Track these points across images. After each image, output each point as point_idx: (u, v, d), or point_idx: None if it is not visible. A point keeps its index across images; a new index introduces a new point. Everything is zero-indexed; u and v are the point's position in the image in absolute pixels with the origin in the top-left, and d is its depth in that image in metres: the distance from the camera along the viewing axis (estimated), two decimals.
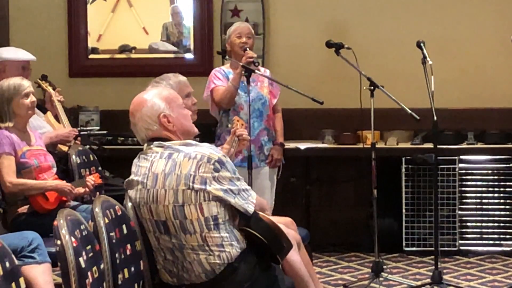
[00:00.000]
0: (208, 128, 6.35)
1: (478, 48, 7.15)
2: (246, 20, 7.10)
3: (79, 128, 5.90)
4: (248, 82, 5.59)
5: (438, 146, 5.82)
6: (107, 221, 3.47)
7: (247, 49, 5.74)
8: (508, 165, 6.70)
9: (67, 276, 3.14)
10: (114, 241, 3.46)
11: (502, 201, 6.73)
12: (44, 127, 5.66)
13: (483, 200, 6.74)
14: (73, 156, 5.43)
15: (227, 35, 5.98)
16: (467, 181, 6.73)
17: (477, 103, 7.11)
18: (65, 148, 5.66)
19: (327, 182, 7.15)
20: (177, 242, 3.62)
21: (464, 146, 6.77)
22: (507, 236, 6.70)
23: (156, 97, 3.73)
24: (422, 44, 5.74)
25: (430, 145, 6.34)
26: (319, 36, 6.82)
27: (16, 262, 3.03)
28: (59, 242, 3.16)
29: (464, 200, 6.73)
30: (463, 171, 6.71)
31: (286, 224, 4.18)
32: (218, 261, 3.61)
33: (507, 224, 6.71)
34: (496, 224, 6.73)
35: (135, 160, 3.77)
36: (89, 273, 3.22)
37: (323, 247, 6.87)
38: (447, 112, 6.72)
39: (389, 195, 6.63)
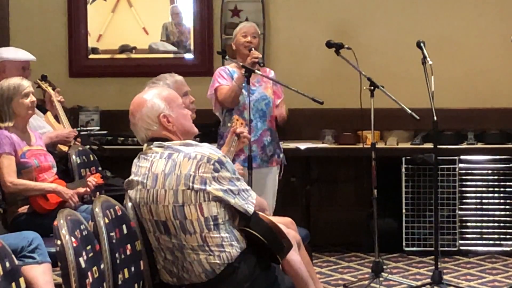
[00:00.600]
0: (208, 128, 6.35)
1: (478, 48, 7.15)
2: (245, 20, 7.10)
3: (79, 128, 5.90)
4: (248, 82, 5.58)
5: (438, 146, 5.82)
6: (107, 221, 3.47)
7: (253, 49, 5.73)
8: (508, 165, 6.70)
9: (67, 276, 3.14)
10: (114, 241, 3.47)
11: (502, 201, 6.73)
12: (44, 127, 5.66)
13: (483, 200, 6.74)
14: (73, 156, 5.43)
15: (233, 35, 5.96)
16: (467, 181, 6.73)
17: (477, 103, 7.11)
18: (65, 148, 5.66)
19: (327, 182, 7.15)
20: (177, 242, 3.62)
21: (464, 146, 6.77)
22: (507, 236, 6.70)
23: (156, 97, 3.73)
24: (422, 44, 5.74)
25: (430, 145, 6.35)
26: (319, 36, 6.82)
27: (16, 262, 3.03)
28: (59, 242, 3.16)
29: (464, 200, 6.73)
30: (463, 171, 6.71)
31: (286, 224, 4.18)
32: (218, 261, 3.61)
33: (507, 224, 6.70)
34: (496, 224, 6.73)
35: (135, 160, 3.77)
36: (89, 273, 3.23)
37: (323, 247, 6.87)
38: (447, 112, 6.72)
39: (389, 195, 6.62)
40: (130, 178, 3.74)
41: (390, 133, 6.90)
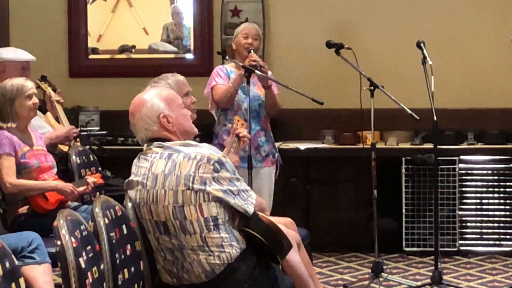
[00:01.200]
0: (208, 128, 6.35)
1: (478, 48, 7.15)
2: (246, 20, 7.10)
3: (79, 129, 5.90)
4: (248, 83, 5.59)
5: (438, 146, 5.82)
6: (107, 221, 3.47)
7: (252, 51, 5.73)
8: (508, 165, 6.70)
9: (67, 277, 3.14)
10: (114, 241, 3.46)
11: (502, 201, 6.73)
12: (44, 128, 5.66)
13: (483, 200, 6.74)
14: (73, 156, 5.43)
15: (234, 35, 5.96)
16: (467, 181, 6.73)
17: (477, 103, 7.11)
18: (65, 148, 5.66)
19: (327, 182, 7.15)
20: (177, 243, 3.62)
21: (464, 146, 6.76)
22: (507, 236, 6.70)
23: (156, 98, 3.73)
24: (422, 44, 5.74)
25: (430, 145, 6.35)
26: (319, 36, 6.82)
27: (16, 262, 3.02)
28: (59, 242, 3.16)
29: (464, 200, 6.73)
30: (463, 171, 6.70)
31: (286, 224, 4.18)
32: (218, 262, 3.61)
33: (507, 224, 6.70)
34: (496, 224, 6.73)
35: (135, 161, 3.77)
36: (89, 274, 3.23)
37: (323, 247, 6.87)
38: (447, 112, 6.72)
39: (389, 195, 6.62)
40: (130, 178, 3.74)
41: (390, 133, 6.90)
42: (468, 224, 6.75)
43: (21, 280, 2.99)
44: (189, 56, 7.53)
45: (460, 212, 6.71)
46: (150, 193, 3.64)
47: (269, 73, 5.98)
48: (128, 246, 3.58)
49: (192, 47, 7.51)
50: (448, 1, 7.19)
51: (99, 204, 3.52)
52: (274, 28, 7.31)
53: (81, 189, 5.05)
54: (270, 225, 3.72)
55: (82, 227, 3.32)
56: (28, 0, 7.46)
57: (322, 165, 7.11)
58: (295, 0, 7.30)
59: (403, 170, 6.68)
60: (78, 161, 5.43)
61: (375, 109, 5.67)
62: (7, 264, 2.92)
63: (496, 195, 6.73)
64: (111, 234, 3.46)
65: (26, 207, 4.92)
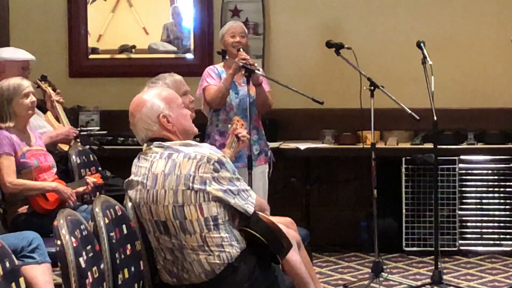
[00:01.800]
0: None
1: (478, 48, 7.15)
2: (246, 20, 7.11)
3: (79, 129, 5.90)
4: (248, 82, 5.59)
5: (438, 146, 5.82)
6: (107, 221, 3.47)
7: (241, 49, 5.74)
8: (508, 165, 6.70)
9: (67, 276, 3.14)
10: (114, 241, 3.47)
11: (502, 201, 6.73)
12: (44, 127, 5.66)
13: (483, 200, 6.74)
14: (73, 156, 5.43)
15: (220, 35, 5.99)
16: (467, 181, 6.73)
17: (477, 103, 7.11)
18: (65, 148, 5.66)
19: (327, 182, 7.14)
20: (177, 242, 3.62)
21: (464, 146, 6.76)
22: (507, 236, 6.70)
23: (156, 98, 3.73)
24: (422, 44, 5.74)
25: (430, 145, 6.34)
26: (319, 36, 6.82)
27: (16, 262, 3.03)
28: (59, 242, 3.16)
29: (464, 200, 6.73)
30: (463, 171, 6.70)
31: (286, 224, 4.18)
32: (218, 261, 3.61)
33: (507, 224, 6.70)
34: (496, 224, 6.73)
35: (135, 161, 3.77)
36: (89, 273, 3.23)
37: (323, 247, 6.87)
38: (447, 112, 6.71)
39: (389, 195, 6.63)
40: (130, 178, 3.74)
41: (390, 133, 6.90)
42: (468, 224, 6.75)
43: (21, 280, 2.99)
44: (189, 56, 7.52)
45: (460, 212, 6.71)
46: (150, 193, 3.64)
47: (260, 70, 5.98)
48: (128, 246, 3.58)
49: (192, 47, 7.51)
50: (448, 1, 7.18)
51: (99, 204, 3.52)
52: (274, 28, 7.31)
53: (81, 189, 5.06)
54: (270, 225, 3.71)
55: (82, 227, 3.33)
56: (28, 0, 7.46)
57: (322, 165, 7.11)
58: (295, 0, 7.30)
59: (403, 170, 6.68)
60: (78, 161, 5.43)
61: (375, 109, 5.67)
62: (7, 264, 2.92)
63: (496, 195, 6.73)
64: (111, 234, 3.47)
65: (26, 207, 4.92)
